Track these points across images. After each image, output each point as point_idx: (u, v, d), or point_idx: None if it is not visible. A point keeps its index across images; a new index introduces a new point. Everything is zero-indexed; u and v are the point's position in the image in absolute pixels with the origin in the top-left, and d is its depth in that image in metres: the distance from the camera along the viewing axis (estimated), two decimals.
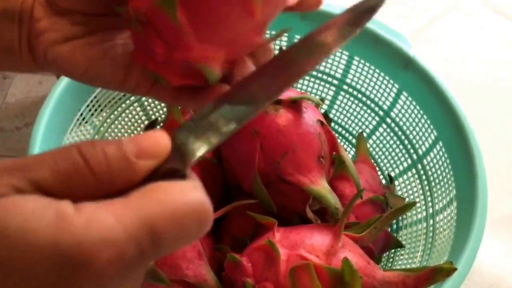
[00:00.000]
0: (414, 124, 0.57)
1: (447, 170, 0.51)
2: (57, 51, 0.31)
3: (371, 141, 0.63)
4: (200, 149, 0.23)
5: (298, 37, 0.61)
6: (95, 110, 0.56)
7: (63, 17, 0.31)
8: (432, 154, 0.54)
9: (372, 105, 0.61)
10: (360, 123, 0.64)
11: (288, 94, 0.49)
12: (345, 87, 0.63)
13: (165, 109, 0.63)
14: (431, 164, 0.55)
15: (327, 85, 0.64)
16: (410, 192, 0.58)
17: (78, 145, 0.21)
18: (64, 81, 0.50)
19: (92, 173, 0.21)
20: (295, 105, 0.49)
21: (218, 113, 0.25)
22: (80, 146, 0.21)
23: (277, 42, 0.61)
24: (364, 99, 0.62)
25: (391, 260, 0.56)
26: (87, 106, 0.54)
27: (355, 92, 0.62)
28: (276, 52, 0.58)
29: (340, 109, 0.65)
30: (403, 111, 0.58)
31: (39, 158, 0.21)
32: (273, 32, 0.60)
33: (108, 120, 0.58)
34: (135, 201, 0.20)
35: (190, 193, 0.21)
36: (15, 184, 0.20)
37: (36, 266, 0.19)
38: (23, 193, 0.20)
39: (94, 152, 0.21)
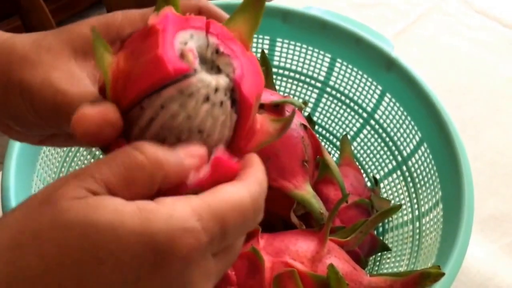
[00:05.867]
0: (398, 125, 0.56)
1: (432, 172, 0.51)
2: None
3: (355, 144, 0.62)
4: None
5: (279, 39, 0.60)
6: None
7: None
8: (417, 156, 0.54)
9: (356, 107, 0.61)
10: (344, 126, 0.63)
11: (270, 98, 0.49)
12: (328, 89, 0.62)
13: None
14: (416, 166, 0.54)
15: (310, 88, 0.63)
16: (396, 194, 0.57)
17: (136, 145, 0.23)
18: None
19: (149, 174, 0.23)
20: (277, 109, 0.48)
21: None
22: (138, 146, 0.23)
23: (259, 44, 0.61)
24: (347, 101, 0.61)
25: (377, 263, 0.55)
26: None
27: (338, 94, 0.62)
28: (258, 55, 0.57)
29: (324, 112, 0.64)
30: (387, 112, 0.58)
31: (99, 163, 0.23)
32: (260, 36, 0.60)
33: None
34: (207, 198, 0.23)
35: (252, 187, 0.24)
36: (89, 187, 0.22)
37: (125, 254, 0.21)
38: (98, 195, 0.22)
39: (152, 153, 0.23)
